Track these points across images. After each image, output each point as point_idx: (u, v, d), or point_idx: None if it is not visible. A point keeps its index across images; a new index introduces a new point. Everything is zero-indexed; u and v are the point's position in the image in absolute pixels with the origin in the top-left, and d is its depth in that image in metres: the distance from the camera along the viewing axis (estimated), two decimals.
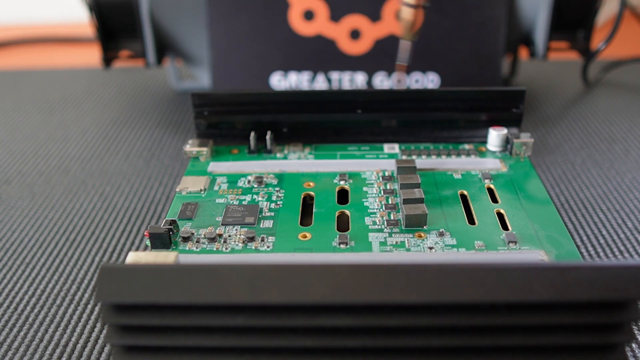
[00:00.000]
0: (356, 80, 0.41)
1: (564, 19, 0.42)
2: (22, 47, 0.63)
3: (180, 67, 0.53)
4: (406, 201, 0.25)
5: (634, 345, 0.23)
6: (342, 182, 0.28)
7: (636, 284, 0.17)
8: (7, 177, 0.37)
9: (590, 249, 0.29)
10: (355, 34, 0.40)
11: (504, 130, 0.30)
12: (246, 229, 0.24)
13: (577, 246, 0.28)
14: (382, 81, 0.41)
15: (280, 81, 0.41)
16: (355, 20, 0.40)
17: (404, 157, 0.30)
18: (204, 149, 0.30)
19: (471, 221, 0.25)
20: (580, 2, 0.42)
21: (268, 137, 0.30)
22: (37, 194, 0.35)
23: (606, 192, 0.34)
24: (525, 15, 0.42)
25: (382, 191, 0.27)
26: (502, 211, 0.25)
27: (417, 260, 0.22)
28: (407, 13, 0.22)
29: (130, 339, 0.18)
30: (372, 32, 0.40)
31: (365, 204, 0.26)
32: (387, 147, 0.31)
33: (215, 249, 0.23)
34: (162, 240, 0.23)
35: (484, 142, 0.31)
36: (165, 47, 0.45)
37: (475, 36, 0.40)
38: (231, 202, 0.27)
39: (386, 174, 0.28)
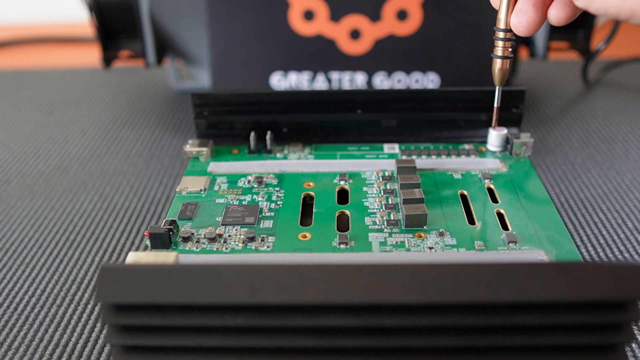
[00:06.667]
0: (356, 80, 0.41)
1: None
2: (22, 47, 0.63)
3: (180, 67, 0.53)
4: (406, 201, 0.25)
5: (634, 345, 0.23)
6: (342, 182, 0.28)
7: (636, 284, 0.17)
8: (7, 177, 0.37)
9: (590, 249, 0.29)
10: (355, 34, 0.40)
11: (504, 130, 0.30)
12: (246, 229, 0.24)
13: (577, 246, 0.28)
14: (382, 81, 0.41)
15: (280, 81, 0.41)
16: (355, 20, 0.40)
17: (404, 157, 0.30)
18: (204, 149, 0.30)
19: (471, 221, 0.25)
20: None
21: (268, 137, 0.30)
22: (37, 194, 0.35)
23: (606, 192, 0.34)
24: None
25: (382, 191, 0.27)
26: (502, 211, 0.25)
27: (417, 260, 0.22)
28: (497, 64, 0.27)
29: (130, 339, 0.18)
30: (372, 32, 0.40)
31: (365, 204, 0.26)
32: (387, 147, 0.31)
33: (215, 249, 0.23)
34: (162, 240, 0.23)
35: (484, 142, 0.31)
36: (165, 47, 0.45)
37: (475, 36, 0.40)
38: (231, 202, 0.27)
39: (386, 174, 0.28)
